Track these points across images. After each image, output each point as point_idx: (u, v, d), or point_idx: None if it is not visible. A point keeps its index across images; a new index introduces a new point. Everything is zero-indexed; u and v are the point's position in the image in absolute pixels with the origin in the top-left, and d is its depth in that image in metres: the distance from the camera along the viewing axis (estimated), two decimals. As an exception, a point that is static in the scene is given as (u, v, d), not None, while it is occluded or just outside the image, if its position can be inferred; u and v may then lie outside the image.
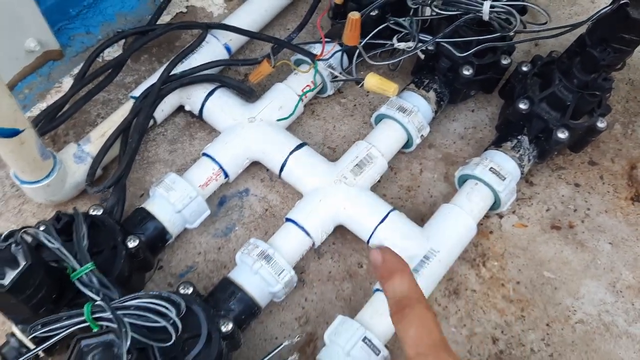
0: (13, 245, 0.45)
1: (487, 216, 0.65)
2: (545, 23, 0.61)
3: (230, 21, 0.72)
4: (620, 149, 0.72)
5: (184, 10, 0.80)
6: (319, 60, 0.66)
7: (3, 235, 0.45)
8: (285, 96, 0.67)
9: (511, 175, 0.62)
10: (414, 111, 0.65)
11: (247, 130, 0.65)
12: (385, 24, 0.65)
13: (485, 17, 0.59)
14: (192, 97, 0.68)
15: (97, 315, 0.46)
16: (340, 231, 0.64)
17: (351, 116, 0.73)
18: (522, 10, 0.62)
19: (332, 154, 0.70)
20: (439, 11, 0.62)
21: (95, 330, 0.46)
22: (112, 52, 0.75)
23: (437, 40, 0.63)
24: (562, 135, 0.62)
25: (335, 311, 0.60)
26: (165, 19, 0.79)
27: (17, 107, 0.50)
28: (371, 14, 0.67)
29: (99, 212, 0.55)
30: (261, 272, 0.56)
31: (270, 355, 0.52)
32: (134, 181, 0.67)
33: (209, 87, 0.68)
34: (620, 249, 0.65)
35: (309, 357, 0.58)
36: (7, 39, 0.66)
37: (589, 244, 0.66)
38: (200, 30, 0.70)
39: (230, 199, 0.67)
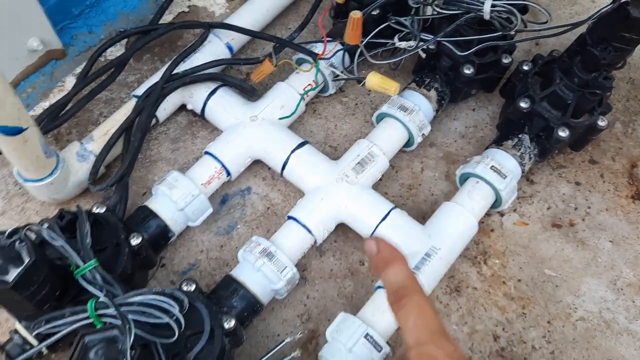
0: (17, 242, 0.45)
1: (488, 214, 0.66)
2: (546, 22, 0.62)
3: (232, 21, 0.73)
4: (621, 147, 0.72)
5: (186, 9, 0.81)
6: (321, 59, 0.66)
7: (7, 233, 0.46)
8: (287, 95, 0.67)
9: (512, 173, 0.62)
10: (415, 110, 0.65)
11: (249, 129, 0.65)
12: (387, 23, 0.65)
13: (487, 16, 0.60)
14: (194, 96, 0.68)
15: (100, 311, 0.47)
16: (342, 229, 0.64)
17: (352, 115, 0.73)
18: (523, 10, 0.62)
19: (334, 153, 0.70)
20: (440, 10, 0.62)
21: (99, 326, 0.46)
22: (115, 52, 0.75)
23: (438, 39, 0.64)
24: (563, 133, 0.62)
25: (337, 308, 0.60)
26: (167, 18, 0.79)
27: (20, 105, 0.50)
28: (372, 13, 0.67)
29: (102, 210, 0.56)
30: (263, 269, 0.56)
31: (273, 352, 0.53)
32: (136, 179, 0.67)
33: (211, 86, 0.68)
34: (620, 247, 0.66)
35: (311, 354, 0.58)
36: (10, 38, 0.66)
37: (590, 242, 0.66)
38: (203, 30, 0.71)
39: (232, 197, 0.67)
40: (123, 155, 0.63)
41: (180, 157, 0.69)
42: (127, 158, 0.62)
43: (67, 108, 0.65)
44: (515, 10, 0.59)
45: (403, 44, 0.64)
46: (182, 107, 0.71)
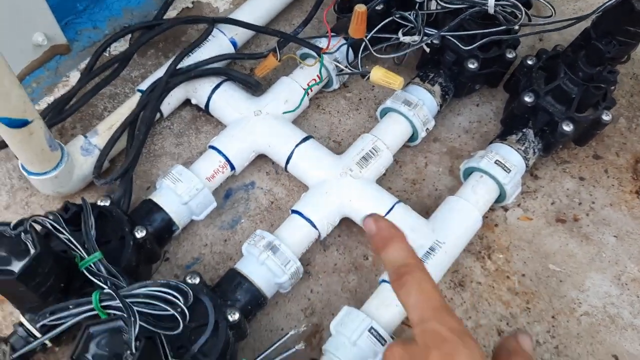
0: (22, 234, 0.46)
1: (492, 209, 0.66)
2: (550, 16, 0.62)
3: (236, 16, 0.73)
4: (625, 142, 0.72)
5: (190, 5, 0.81)
6: (325, 53, 0.66)
7: (12, 224, 0.46)
8: (291, 90, 0.67)
9: (516, 167, 0.62)
10: (419, 105, 0.65)
11: (253, 124, 0.65)
12: (391, 18, 0.65)
13: (491, 11, 0.60)
14: (199, 90, 0.68)
15: (105, 303, 0.47)
16: (346, 223, 0.64)
17: (356, 110, 0.73)
18: (527, 4, 0.62)
19: (338, 148, 0.70)
20: (445, 5, 0.62)
21: (103, 318, 0.46)
22: (119, 47, 0.75)
23: (442, 33, 0.64)
24: (567, 128, 0.62)
25: (341, 303, 0.60)
26: (171, 14, 0.79)
27: (26, 98, 0.50)
28: (377, 7, 0.67)
29: (107, 203, 0.56)
30: (267, 262, 0.56)
31: (276, 345, 0.53)
32: (140, 174, 0.67)
33: (215, 80, 0.68)
34: (625, 242, 0.65)
35: (315, 348, 0.58)
36: (15, 33, 0.66)
37: (594, 237, 0.66)
38: (207, 25, 0.71)
39: (236, 191, 0.67)
40: (127, 149, 0.64)
41: (184, 152, 0.69)
42: (131, 152, 0.62)
43: (72, 102, 0.66)
44: (519, 4, 0.59)
45: (407, 39, 0.64)
46: (187, 102, 0.71)
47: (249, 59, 0.74)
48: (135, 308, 0.45)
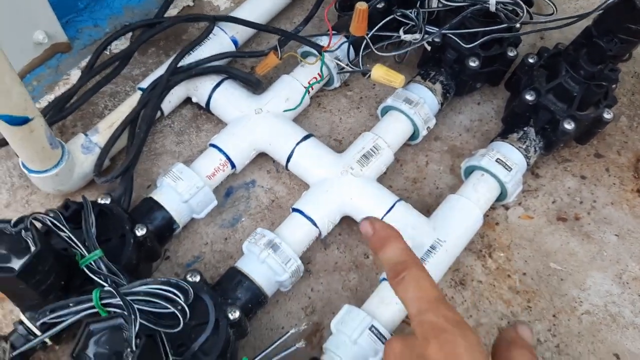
0: (23, 231, 0.46)
1: (493, 208, 0.66)
2: (552, 14, 0.62)
3: (237, 14, 0.73)
4: (626, 141, 0.72)
5: (191, 3, 0.81)
6: (326, 52, 0.66)
7: (13, 221, 0.46)
8: (292, 88, 0.67)
9: (517, 166, 0.62)
10: (420, 103, 0.65)
11: (253, 122, 0.65)
12: (392, 16, 0.65)
13: (492, 8, 0.60)
14: (199, 88, 0.68)
15: (105, 301, 0.47)
16: (347, 222, 0.64)
17: (357, 109, 0.73)
18: (529, 2, 0.62)
19: (339, 146, 0.70)
20: (446, 2, 0.62)
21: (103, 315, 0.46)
22: (120, 45, 0.75)
23: (443, 31, 0.63)
24: (569, 126, 0.62)
25: (342, 301, 0.60)
26: (172, 12, 0.79)
27: (27, 95, 0.50)
28: (378, 6, 0.67)
29: (107, 201, 0.56)
30: (268, 261, 0.56)
31: (277, 344, 0.53)
32: (141, 172, 0.67)
33: (216, 78, 0.68)
34: (626, 240, 0.65)
35: (316, 347, 0.58)
36: (16, 31, 0.66)
37: (595, 235, 0.66)
38: (208, 23, 0.71)
39: (236, 190, 0.67)
40: (128, 147, 0.64)
41: (185, 150, 0.69)
42: (132, 150, 0.62)
43: (73, 100, 0.65)
44: (520, 2, 0.59)
45: (408, 37, 0.64)
46: (187, 100, 0.71)
47: (249, 57, 0.74)
48: (135, 306, 0.44)
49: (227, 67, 0.70)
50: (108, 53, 0.74)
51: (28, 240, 0.45)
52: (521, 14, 0.60)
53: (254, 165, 0.68)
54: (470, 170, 0.64)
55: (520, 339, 0.43)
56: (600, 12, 0.57)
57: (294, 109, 0.67)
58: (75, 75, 0.73)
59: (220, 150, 0.63)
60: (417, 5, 0.65)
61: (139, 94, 0.66)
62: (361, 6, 0.60)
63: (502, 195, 0.64)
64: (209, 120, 0.71)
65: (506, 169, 0.62)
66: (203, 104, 0.69)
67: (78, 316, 0.47)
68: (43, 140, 0.55)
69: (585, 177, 0.69)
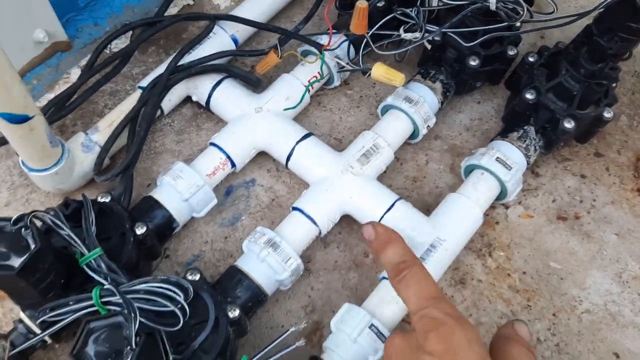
0: (23, 229, 0.45)
1: (493, 207, 0.66)
2: (552, 12, 0.61)
3: (237, 13, 0.73)
4: (626, 140, 0.72)
5: (191, 2, 0.81)
6: (326, 50, 0.66)
7: (13, 219, 0.46)
8: (292, 86, 0.67)
9: (517, 165, 0.62)
10: (420, 102, 0.65)
11: (254, 121, 0.65)
12: (392, 15, 0.65)
13: (492, 7, 0.60)
14: (199, 87, 0.68)
15: (105, 299, 0.47)
16: (347, 221, 0.64)
17: (357, 107, 0.73)
18: (529, 0, 0.62)
19: (339, 145, 0.70)
20: (446, 1, 0.62)
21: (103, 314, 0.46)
22: (120, 44, 0.75)
23: (443, 30, 0.63)
24: (569, 125, 0.62)
25: (342, 300, 0.60)
26: (172, 11, 0.79)
27: (27, 93, 0.50)
28: (378, 4, 0.67)
29: (107, 200, 0.56)
30: (268, 259, 0.56)
31: (277, 342, 0.53)
32: (141, 171, 0.67)
33: (216, 77, 0.68)
34: (626, 240, 0.65)
35: (315, 345, 0.58)
36: (16, 30, 0.66)
37: (595, 234, 0.66)
38: (208, 22, 0.71)
39: (236, 188, 0.67)
40: (128, 146, 0.64)
41: (185, 149, 0.69)
42: (132, 148, 0.62)
43: (73, 99, 0.65)
44: (521, 1, 0.59)
45: (408, 36, 0.64)
46: (187, 99, 0.71)
47: (250, 56, 0.74)
48: (135, 304, 0.44)
49: (227, 65, 0.70)
50: (108, 52, 0.74)
51: (28, 239, 0.45)
52: (521, 13, 0.60)
53: (254, 164, 0.68)
54: (470, 169, 0.64)
55: (517, 336, 0.44)
56: (601, 10, 0.57)
57: (294, 107, 0.67)
58: (75, 73, 0.73)
59: (220, 149, 0.63)
60: (418, 3, 0.65)
61: (139, 92, 0.66)
62: (361, 4, 0.59)
63: (502, 194, 0.64)
64: (209, 119, 0.71)
65: (506, 167, 0.62)
66: (203, 103, 0.69)
67: (78, 314, 0.47)
68: (43, 138, 0.55)
69: (585, 176, 0.69)
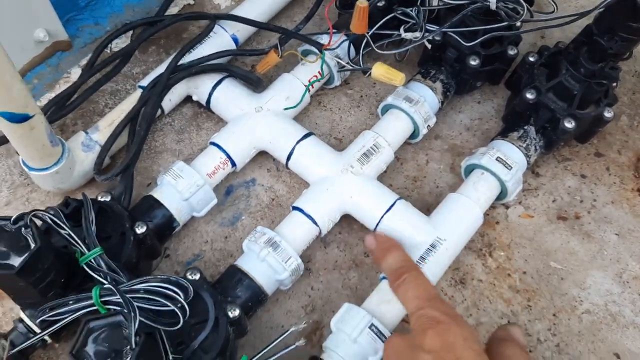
0: (23, 228, 0.45)
1: (493, 206, 0.65)
2: (553, 12, 0.61)
3: (238, 12, 0.73)
4: (627, 140, 0.72)
5: (192, 2, 0.81)
6: (326, 50, 0.66)
7: (13, 218, 0.46)
8: (292, 86, 0.67)
9: (517, 164, 0.62)
10: (420, 101, 0.65)
11: (254, 120, 0.65)
12: (392, 14, 0.65)
13: (493, 6, 0.60)
14: (200, 87, 0.68)
15: (105, 298, 0.46)
16: (347, 220, 0.64)
17: (357, 107, 0.73)
18: (529, 0, 0.62)
19: (339, 145, 0.70)
20: (446, 1, 0.62)
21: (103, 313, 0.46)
22: (120, 43, 0.75)
23: (443, 30, 0.63)
24: (569, 124, 0.62)
25: (342, 300, 0.60)
26: (172, 10, 0.79)
27: (27, 92, 0.50)
28: (378, 4, 0.67)
29: (107, 199, 0.56)
30: (268, 259, 0.56)
31: (277, 342, 0.53)
32: (141, 170, 0.67)
33: (216, 77, 0.68)
34: (626, 239, 0.65)
35: (315, 345, 0.58)
36: (16, 29, 0.66)
37: (596, 234, 0.65)
38: (208, 21, 0.71)
39: (237, 188, 0.67)
40: (128, 145, 0.64)
41: (185, 149, 0.69)
42: (132, 148, 0.62)
43: (73, 99, 0.65)
44: (521, 0, 0.59)
45: (409, 35, 0.64)
46: (188, 98, 0.71)
47: (250, 56, 0.74)
48: (135, 303, 0.44)
49: (227, 65, 0.70)
50: (109, 51, 0.74)
51: (28, 238, 0.45)
52: (522, 12, 0.60)
53: (254, 163, 0.68)
54: (470, 169, 0.64)
55: (511, 337, 0.46)
56: (601, 10, 0.57)
57: (295, 107, 0.67)
58: (75, 73, 0.73)
59: (220, 148, 0.63)
60: (418, 3, 0.65)
61: (139, 92, 0.66)
62: (362, 4, 0.59)
63: (503, 194, 0.64)
64: (210, 119, 0.71)
65: (506, 167, 0.62)
66: (203, 102, 0.69)
67: (78, 314, 0.47)
68: (43, 137, 0.55)
69: (586, 176, 0.69)
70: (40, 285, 0.47)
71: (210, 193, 0.62)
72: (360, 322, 0.53)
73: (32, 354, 0.54)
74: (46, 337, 0.51)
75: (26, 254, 0.44)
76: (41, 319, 0.48)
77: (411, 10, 0.64)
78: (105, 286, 0.47)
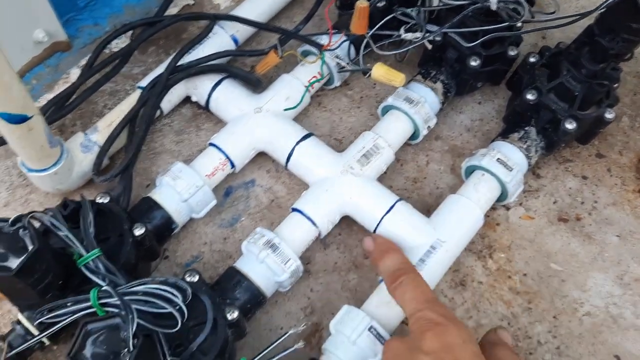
0: (20, 230, 0.45)
1: (493, 208, 0.65)
2: (553, 13, 0.61)
3: (238, 13, 0.73)
4: (628, 141, 0.72)
5: (191, 2, 0.81)
6: (327, 50, 0.66)
7: (10, 220, 0.46)
8: (292, 87, 0.67)
9: (518, 166, 0.62)
10: (420, 102, 0.65)
11: (253, 121, 0.65)
12: (393, 15, 0.65)
13: (493, 7, 0.59)
14: (199, 87, 0.68)
15: (103, 300, 0.46)
16: (347, 222, 0.63)
17: (358, 108, 0.73)
18: (530, 0, 0.62)
19: (339, 146, 0.70)
20: (447, 1, 0.62)
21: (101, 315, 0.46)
22: (120, 44, 0.75)
23: (444, 30, 0.63)
24: (570, 125, 0.62)
25: (341, 302, 0.60)
26: (172, 11, 0.79)
27: (26, 93, 0.50)
28: (378, 4, 0.67)
29: (106, 200, 0.56)
30: (267, 261, 0.55)
31: (276, 344, 0.52)
32: (140, 171, 0.67)
33: (215, 77, 0.68)
34: (627, 241, 0.65)
35: (314, 347, 0.58)
36: (16, 30, 0.66)
37: (596, 236, 0.65)
38: (208, 22, 0.71)
39: (236, 189, 0.67)
40: (127, 146, 0.63)
41: (184, 150, 0.69)
42: (131, 149, 0.62)
43: (72, 99, 0.65)
44: (522, 1, 0.59)
45: (409, 36, 0.64)
46: (187, 99, 0.71)
47: (250, 56, 0.73)
48: (133, 305, 0.44)
49: (227, 65, 0.69)
50: (108, 52, 0.74)
51: (26, 239, 0.45)
52: (522, 13, 0.60)
53: (253, 164, 0.68)
54: (471, 170, 0.64)
55: (500, 340, 0.48)
56: (602, 10, 0.57)
57: (294, 108, 0.67)
58: (74, 73, 0.73)
59: (219, 149, 0.63)
60: (418, 3, 0.64)
61: (138, 92, 0.66)
62: (362, 4, 0.59)
63: (503, 196, 0.63)
64: (209, 120, 0.71)
65: (507, 169, 0.61)
66: (203, 103, 0.69)
67: (76, 316, 0.47)
68: (42, 138, 0.55)
69: (587, 177, 0.69)
70: (39, 286, 0.47)
71: (210, 194, 0.61)
72: (360, 324, 0.53)
73: (30, 356, 0.54)
74: (44, 339, 0.50)
75: (24, 256, 0.44)
76: (39, 320, 0.48)
77: (411, 11, 0.64)
78: (103, 288, 0.46)
